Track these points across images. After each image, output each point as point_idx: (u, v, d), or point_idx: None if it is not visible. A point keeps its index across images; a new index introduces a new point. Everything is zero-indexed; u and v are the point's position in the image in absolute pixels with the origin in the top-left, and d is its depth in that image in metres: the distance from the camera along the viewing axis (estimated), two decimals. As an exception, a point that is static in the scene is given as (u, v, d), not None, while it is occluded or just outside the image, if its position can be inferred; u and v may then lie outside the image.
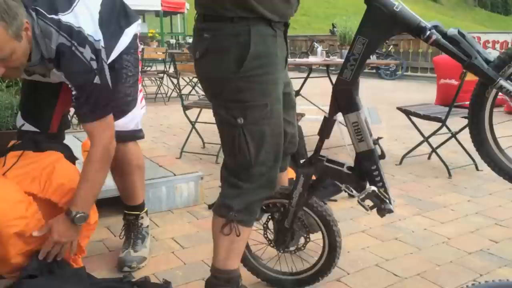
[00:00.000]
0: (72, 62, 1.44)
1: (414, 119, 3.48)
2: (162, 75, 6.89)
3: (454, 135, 3.37)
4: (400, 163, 3.51)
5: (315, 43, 11.48)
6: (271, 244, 1.70)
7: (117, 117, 1.70)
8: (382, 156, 1.50)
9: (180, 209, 2.55)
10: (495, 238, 2.19)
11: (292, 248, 1.70)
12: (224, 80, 1.32)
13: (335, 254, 1.63)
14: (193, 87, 6.57)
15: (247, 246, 1.67)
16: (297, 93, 3.74)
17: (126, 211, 1.99)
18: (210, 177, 3.12)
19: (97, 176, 1.56)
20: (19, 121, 1.78)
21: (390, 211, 1.49)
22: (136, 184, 1.94)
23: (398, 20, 1.31)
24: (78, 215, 1.50)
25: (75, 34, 1.44)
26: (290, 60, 3.47)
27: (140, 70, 1.88)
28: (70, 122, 1.96)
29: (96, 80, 1.50)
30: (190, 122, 3.72)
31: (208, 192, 2.76)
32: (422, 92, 8.20)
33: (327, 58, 4.41)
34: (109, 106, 1.59)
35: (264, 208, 1.63)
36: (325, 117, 1.47)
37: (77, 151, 2.68)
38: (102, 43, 1.52)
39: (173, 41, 16.31)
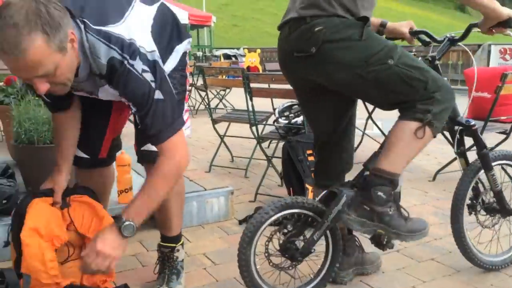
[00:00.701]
0: (127, 79, 1.33)
1: (446, 133, 3.39)
2: (190, 88, 6.97)
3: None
4: (434, 179, 3.42)
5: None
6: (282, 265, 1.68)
7: None
8: None
9: (211, 224, 2.55)
10: (537, 260, 2.10)
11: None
12: (353, 50, 1.53)
13: (338, 256, 1.75)
14: (221, 100, 6.62)
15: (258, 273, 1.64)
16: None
17: (161, 243, 1.84)
18: (240, 191, 3.11)
19: (159, 192, 1.43)
20: None
21: None
22: (172, 210, 1.76)
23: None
24: (127, 223, 1.36)
25: (126, 47, 1.32)
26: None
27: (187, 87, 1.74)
28: (121, 143, 1.89)
29: (157, 95, 1.37)
30: (219, 135, 3.73)
31: (238, 207, 2.75)
32: (452, 105, 8.01)
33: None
34: (180, 118, 1.49)
35: (288, 219, 1.66)
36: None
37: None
38: (157, 54, 1.40)
39: (199, 53, 16.55)
